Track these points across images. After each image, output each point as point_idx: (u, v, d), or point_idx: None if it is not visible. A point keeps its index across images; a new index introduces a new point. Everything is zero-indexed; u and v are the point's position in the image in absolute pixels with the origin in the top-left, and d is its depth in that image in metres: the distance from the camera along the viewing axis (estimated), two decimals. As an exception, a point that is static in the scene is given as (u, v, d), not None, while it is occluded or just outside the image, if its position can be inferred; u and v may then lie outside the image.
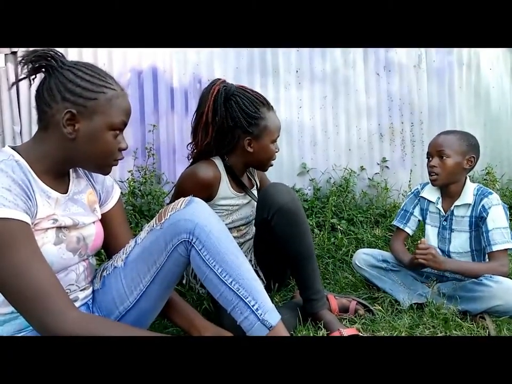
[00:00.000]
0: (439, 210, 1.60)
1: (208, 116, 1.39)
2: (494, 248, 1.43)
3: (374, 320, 1.36)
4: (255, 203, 1.54)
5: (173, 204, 1.00)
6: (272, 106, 1.48)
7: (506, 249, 1.43)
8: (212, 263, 0.95)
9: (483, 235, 1.48)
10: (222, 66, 2.57)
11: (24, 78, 0.90)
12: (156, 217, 1.01)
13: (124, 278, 0.98)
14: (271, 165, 1.53)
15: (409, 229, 1.66)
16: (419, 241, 1.44)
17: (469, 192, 1.54)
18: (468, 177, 1.59)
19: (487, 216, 1.47)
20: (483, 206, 1.49)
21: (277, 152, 1.50)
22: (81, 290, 0.98)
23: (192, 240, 0.95)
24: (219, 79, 1.46)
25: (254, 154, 1.45)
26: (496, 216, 1.46)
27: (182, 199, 1.01)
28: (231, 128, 1.41)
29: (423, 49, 3.04)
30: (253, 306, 0.94)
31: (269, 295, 1.01)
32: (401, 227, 1.66)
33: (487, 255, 1.50)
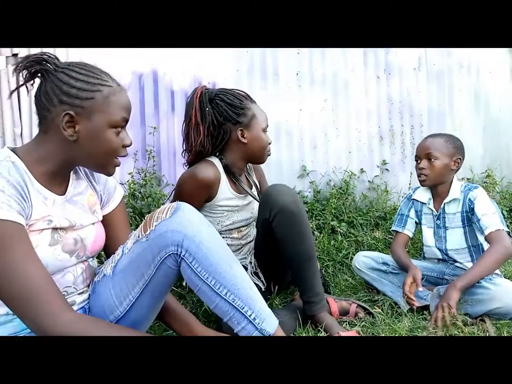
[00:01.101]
0: (431, 210, 1.65)
1: (196, 116, 1.42)
2: (487, 231, 1.46)
3: (374, 323, 1.36)
4: (256, 204, 1.54)
5: (158, 211, 0.94)
6: (254, 100, 1.52)
7: (500, 230, 1.44)
8: (205, 275, 0.91)
9: (476, 225, 1.52)
10: (222, 69, 2.58)
11: (21, 85, 0.89)
12: (140, 226, 0.96)
13: (113, 287, 0.95)
14: (269, 155, 1.53)
15: (408, 231, 1.69)
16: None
17: (456, 188, 1.59)
18: (455, 177, 1.63)
19: (474, 207, 1.51)
20: (469, 199, 1.55)
21: (269, 144, 1.51)
22: (79, 294, 0.97)
23: (181, 253, 0.90)
24: (199, 86, 1.50)
25: (248, 145, 1.46)
26: (482, 204, 1.51)
27: (167, 205, 0.96)
28: (221, 124, 1.44)
29: (423, 52, 3.05)
30: (249, 316, 0.92)
31: (269, 298, 1.00)
32: (400, 230, 1.69)
33: (485, 244, 1.52)
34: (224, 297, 0.91)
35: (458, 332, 1.26)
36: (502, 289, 1.31)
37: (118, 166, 0.94)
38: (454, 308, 1.30)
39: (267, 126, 1.51)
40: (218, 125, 1.44)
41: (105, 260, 1.10)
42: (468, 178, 3.08)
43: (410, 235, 1.70)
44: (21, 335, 0.86)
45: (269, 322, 0.94)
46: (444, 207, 1.61)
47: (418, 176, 1.60)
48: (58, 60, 0.89)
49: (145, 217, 0.97)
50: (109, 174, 0.95)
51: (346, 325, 1.35)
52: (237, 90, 1.50)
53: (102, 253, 1.13)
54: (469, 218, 1.56)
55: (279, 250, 1.33)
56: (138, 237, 0.94)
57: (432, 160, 1.56)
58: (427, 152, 1.57)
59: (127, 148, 0.94)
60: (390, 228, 2.47)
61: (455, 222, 1.60)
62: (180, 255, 0.90)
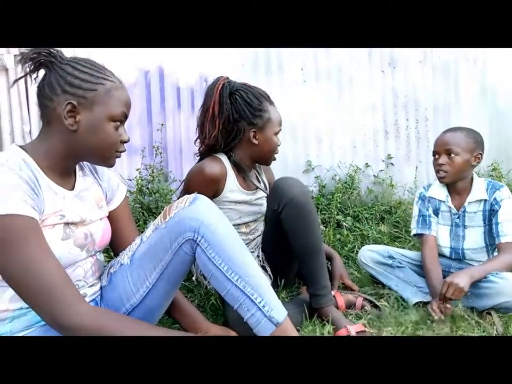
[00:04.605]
0: (450, 208, 1.58)
1: (214, 109, 1.43)
2: (503, 240, 1.44)
3: (380, 316, 1.37)
4: (264, 200, 1.56)
5: (177, 201, 1.00)
6: (273, 102, 1.52)
7: None
8: (218, 261, 0.95)
9: (493, 227, 1.48)
10: (227, 64, 2.58)
11: (25, 75, 0.91)
12: (160, 215, 1.01)
13: (130, 275, 0.99)
14: (274, 159, 1.55)
15: (434, 231, 1.59)
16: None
17: (480, 187, 1.54)
18: (475, 173, 1.59)
19: (499, 209, 1.48)
20: (495, 198, 1.50)
21: (279, 145, 1.53)
22: (89, 287, 0.99)
23: (197, 238, 0.95)
24: (222, 76, 1.50)
25: (258, 147, 1.48)
26: (507, 209, 1.47)
27: (186, 196, 1.01)
28: (236, 121, 1.45)
29: (428, 45, 3.02)
30: (259, 303, 0.95)
31: (275, 291, 1.02)
32: (427, 233, 1.58)
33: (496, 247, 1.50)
34: (236, 283, 0.94)
35: (464, 324, 1.27)
36: (509, 283, 1.30)
37: (119, 157, 0.98)
38: (462, 292, 1.27)
39: (280, 129, 1.52)
40: (234, 121, 1.45)
41: (113, 255, 1.13)
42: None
43: (436, 236, 1.60)
44: (34, 328, 0.89)
45: (278, 311, 0.96)
46: (466, 206, 1.54)
47: (437, 172, 1.53)
48: (63, 54, 0.92)
49: (165, 208, 1.02)
50: (110, 165, 0.98)
51: (352, 318, 1.37)
52: (259, 89, 1.50)
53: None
54: (490, 218, 1.51)
55: (287, 243, 1.34)
56: (158, 224, 0.99)
57: (452, 155, 1.49)
58: (447, 148, 1.50)
59: (129, 139, 0.97)
60: (395, 222, 2.50)
61: (476, 221, 1.54)
62: (196, 240, 0.95)
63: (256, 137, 1.46)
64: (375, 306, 1.44)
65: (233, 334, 1.11)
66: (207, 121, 1.45)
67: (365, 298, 1.46)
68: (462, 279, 1.29)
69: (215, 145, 1.46)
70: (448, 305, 1.31)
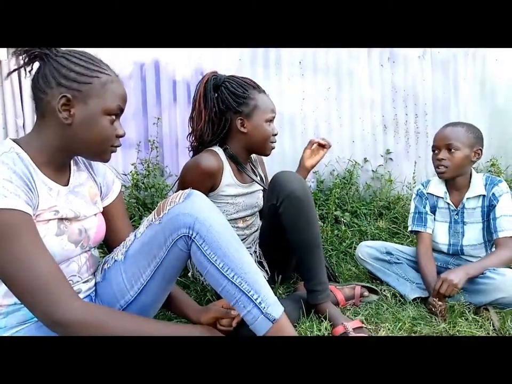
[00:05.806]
0: (449, 204, 1.58)
1: (200, 102, 1.46)
2: (501, 235, 1.44)
3: (378, 312, 1.36)
4: (260, 194, 1.55)
5: (171, 197, 0.99)
6: (263, 90, 1.52)
7: None
8: (213, 257, 0.93)
9: (491, 222, 1.48)
10: (224, 59, 2.56)
11: (20, 67, 0.90)
12: (154, 211, 0.99)
13: (124, 272, 0.98)
14: (273, 148, 1.53)
15: (430, 229, 1.60)
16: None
17: (479, 183, 1.53)
18: (473, 169, 1.58)
19: (497, 204, 1.48)
20: (493, 194, 1.50)
21: (275, 135, 1.51)
22: (84, 282, 0.99)
23: (192, 235, 0.93)
24: (210, 71, 1.52)
25: (248, 135, 1.48)
26: (505, 203, 1.47)
27: (180, 192, 0.99)
28: (223, 111, 1.46)
29: (427, 40, 3.00)
30: (255, 300, 0.93)
31: (272, 287, 1.00)
32: (422, 230, 1.59)
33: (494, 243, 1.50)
34: (231, 279, 0.93)
35: (462, 320, 1.26)
36: (506, 279, 1.30)
37: (114, 152, 0.96)
38: (456, 289, 1.27)
39: (273, 117, 1.50)
40: (220, 112, 1.46)
41: (107, 251, 1.11)
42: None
43: (431, 233, 1.61)
44: (29, 324, 0.88)
45: (275, 308, 0.95)
46: (464, 202, 1.54)
47: (437, 167, 1.52)
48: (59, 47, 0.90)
49: (159, 203, 1.00)
50: (105, 160, 0.96)
51: (350, 313, 1.36)
52: (246, 79, 1.50)
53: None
54: (489, 213, 1.51)
55: (284, 238, 1.32)
56: (152, 220, 0.98)
57: (453, 151, 1.48)
58: (447, 143, 1.48)
59: (125, 134, 0.96)
60: (394, 217, 2.49)
61: (474, 217, 1.53)
62: (190, 237, 0.93)
63: (244, 126, 1.47)
64: (374, 292, 1.44)
65: (223, 303, 1.10)
66: (194, 114, 1.47)
67: (363, 286, 1.46)
68: (457, 276, 1.30)
69: (202, 136, 1.47)
70: (440, 303, 1.30)
